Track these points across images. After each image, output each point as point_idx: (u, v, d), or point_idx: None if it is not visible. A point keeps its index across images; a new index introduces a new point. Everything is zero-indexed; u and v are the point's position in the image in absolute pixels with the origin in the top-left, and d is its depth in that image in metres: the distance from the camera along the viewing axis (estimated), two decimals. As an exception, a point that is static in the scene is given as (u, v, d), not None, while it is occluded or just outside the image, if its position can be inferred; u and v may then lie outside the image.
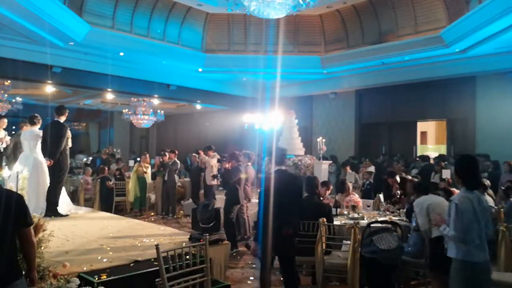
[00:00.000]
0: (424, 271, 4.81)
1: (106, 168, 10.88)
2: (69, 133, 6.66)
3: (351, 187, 7.35)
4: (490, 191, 6.94)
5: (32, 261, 2.62)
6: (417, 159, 11.68)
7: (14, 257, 2.51)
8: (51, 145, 6.37)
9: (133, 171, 10.45)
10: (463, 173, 3.35)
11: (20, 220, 2.51)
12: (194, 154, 12.02)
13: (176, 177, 10.31)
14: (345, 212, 6.13)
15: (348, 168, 10.29)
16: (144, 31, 11.62)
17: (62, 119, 6.62)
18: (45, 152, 6.42)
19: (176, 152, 10.35)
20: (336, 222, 5.42)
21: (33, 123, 6.63)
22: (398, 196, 6.75)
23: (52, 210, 6.30)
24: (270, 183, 4.07)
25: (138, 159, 12.66)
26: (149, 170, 10.85)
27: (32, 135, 6.54)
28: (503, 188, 6.74)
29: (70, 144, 6.71)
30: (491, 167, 9.85)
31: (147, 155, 11.21)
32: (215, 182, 9.08)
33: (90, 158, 15.99)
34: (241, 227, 7.17)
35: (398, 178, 7.09)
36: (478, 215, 3.19)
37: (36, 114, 6.77)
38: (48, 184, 6.45)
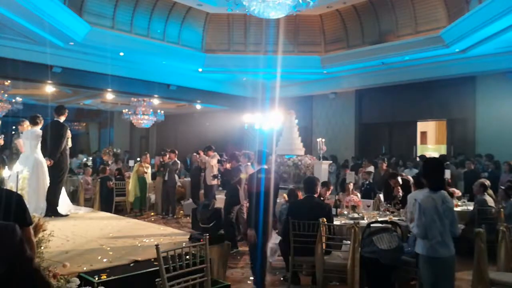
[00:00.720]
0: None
1: (108, 168, 10.87)
2: (69, 133, 6.65)
3: (351, 187, 7.32)
4: (490, 191, 6.94)
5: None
6: (418, 159, 11.70)
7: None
8: (51, 145, 6.37)
9: (134, 171, 10.46)
10: (429, 175, 3.55)
11: (20, 219, 2.51)
12: (194, 154, 12.02)
13: (176, 177, 10.31)
14: (345, 212, 6.12)
15: (347, 170, 10.23)
16: (144, 31, 11.63)
17: (62, 119, 6.62)
18: (45, 152, 6.41)
19: (176, 152, 10.35)
20: (336, 222, 5.41)
21: (35, 123, 6.62)
22: (399, 199, 6.65)
23: (52, 210, 6.29)
24: (258, 180, 4.80)
25: (138, 159, 12.66)
26: (149, 170, 10.85)
27: (33, 135, 6.53)
28: (503, 188, 6.74)
29: (70, 144, 6.70)
30: (491, 167, 9.87)
31: (148, 155, 11.21)
32: (215, 182, 9.08)
33: (90, 158, 15.98)
34: (241, 227, 7.17)
35: (400, 180, 7.03)
36: (440, 214, 3.37)
37: (38, 114, 6.76)
38: (48, 184, 6.45)
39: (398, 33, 11.34)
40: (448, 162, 10.19)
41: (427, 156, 11.83)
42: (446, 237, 3.38)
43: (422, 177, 3.67)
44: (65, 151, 6.53)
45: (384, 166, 9.35)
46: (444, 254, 3.35)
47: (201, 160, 9.86)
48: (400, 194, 6.74)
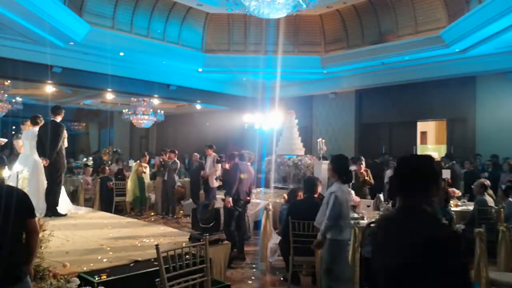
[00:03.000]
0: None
1: (107, 168, 10.86)
2: (65, 133, 6.62)
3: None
4: (490, 191, 6.93)
5: (34, 252, 2.65)
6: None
7: (21, 256, 2.52)
8: (48, 145, 6.34)
9: (133, 171, 10.45)
10: (339, 170, 4.09)
11: (27, 212, 2.54)
12: (194, 153, 12.01)
13: (176, 177, 10.29)
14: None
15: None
16: (144, 31, 11.63)
17: (58, 119, 6.59)
18: (40, 151, 6.38)
19: (176, 152, 10.34)
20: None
21: (35, 123, 6.62)
22: None
23: (52, 210, 6.29)
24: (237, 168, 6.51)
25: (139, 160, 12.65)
26: (147, 170, 10.83)
27: (33, 135, 6.52)
28: (503, 187, 6.74)
29: (66, 144, 6.66)
30: (491, 167, 9.86)
31: (147, 155, 11.19)
32: (217, 183, 9.10)
33: (90, 158, 15.97)
34: (248, 227, 7.15)
35: None
36: (348, 203, 4.10)
37: (39, 115, 6.76)
38: (46, 184, 6.44)
39: (398, 33, 11.33)
40: (454, 162, 10.18)
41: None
42: (349, 222, 4.13)
43: (333, 171, 4.17)
44: (61, 151, 6.50)
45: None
46: (347, 236, 4.05)
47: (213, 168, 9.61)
48: None
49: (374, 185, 8.30)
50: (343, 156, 4.34)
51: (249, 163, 7.01)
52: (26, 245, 2.57)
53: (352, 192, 4.41)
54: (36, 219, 3.59)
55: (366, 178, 7.61)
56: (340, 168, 4.10)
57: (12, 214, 2.41)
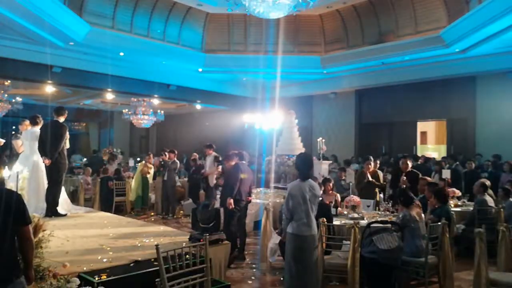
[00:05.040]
0: (424, 271, 4.81)
1: (109, 169, 10.86)
2: (67, 134, 6.62)
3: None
4: (490, 191, 6.93)
5: (30, 259, 2.63)
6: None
7: (14, 256, 2.51)
8: (49, 145, 6.34)
9: (138, 171, 10.50)
10: (300, 167, 4.27)
11: (19, 218, 2.51)
12: (194, 153, 12.01)
13: (176, 177, 10.30)
14: (345, 212, 6.13)
15: (343, 173, 9.63)
16: (144, 31, 11.63)
17: (61, 119, 6.59)
18: (41, 151, 6.38)
19: (176, 152, 10.35)
20: (336, 222, 5.42)
21: (35, 123, 6.61)
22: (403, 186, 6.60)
23: (52, 210, 6.28)
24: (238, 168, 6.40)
25: (138, 159, 12.64)
26: (152, 170, 10.85)
27: (33, 135, 6.52)
28: (503, 187, 6.74)
29: (68, 145, 6.66)
30: (491, 167, 9.86)
31: (151, 155, 11.20)
32: (216, 181, 9.09)
33: (84, 159, 15.89)
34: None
35: (409, 164, 7.07)
36: (306, 199, 4.05)
37: (38, 115, 6.76)
38: (47, 184, 6.43)
39: (398, 33, 11.34)
40: (457, 163, 10.19)
41: (427, 156, 11.85)
42: (309, 219, 4.04)
43: (295, 168, 4.29)
44: (63, 151, 6.50)
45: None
46: (307, 232, 4.01)
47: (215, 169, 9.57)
48: (404, 178, 6.75)
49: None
50: (306, 154, 4.55)
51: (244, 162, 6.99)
52: (21, 253, 2.56)
53: (317, 189, 4.24)
54: (36, 219, 3.61)
55: (370, 179, 7.46)
56: (300, 166, 4.27)
57: (5, 219, 2.40)
